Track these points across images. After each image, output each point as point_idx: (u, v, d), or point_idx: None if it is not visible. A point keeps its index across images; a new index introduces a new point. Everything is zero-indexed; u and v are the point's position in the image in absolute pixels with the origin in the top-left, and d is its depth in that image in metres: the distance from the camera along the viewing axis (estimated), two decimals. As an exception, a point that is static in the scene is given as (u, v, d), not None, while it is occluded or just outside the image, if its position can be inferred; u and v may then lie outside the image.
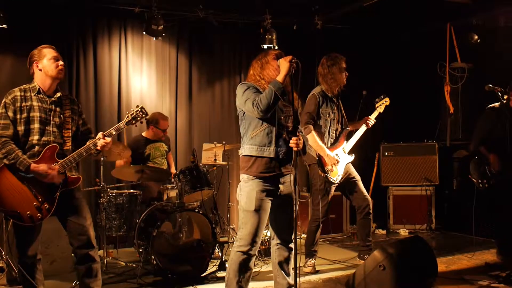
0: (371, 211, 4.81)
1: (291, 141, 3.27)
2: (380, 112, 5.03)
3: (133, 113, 3.55)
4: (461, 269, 4.76)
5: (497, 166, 4.67)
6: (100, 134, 3.43)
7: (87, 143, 3.43)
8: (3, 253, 4.37)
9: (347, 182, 4.82)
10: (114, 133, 3.47)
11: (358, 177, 4.85)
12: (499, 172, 4.67)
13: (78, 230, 3.40)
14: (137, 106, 3.58)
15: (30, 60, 3.46)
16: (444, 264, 4.91)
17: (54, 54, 3.45)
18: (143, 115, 3.57)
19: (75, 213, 3.41)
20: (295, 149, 3.25)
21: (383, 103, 5.06)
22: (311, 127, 4.56)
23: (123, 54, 6.33)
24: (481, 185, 4.77)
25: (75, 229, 3.40)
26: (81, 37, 6.09)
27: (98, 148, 3.40)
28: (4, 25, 5.30)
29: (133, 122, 3.55)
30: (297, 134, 3.36)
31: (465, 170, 6.83)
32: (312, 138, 4.52)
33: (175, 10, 6.38)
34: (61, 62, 3.45)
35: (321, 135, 4.69)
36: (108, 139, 3.42)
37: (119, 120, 6.26)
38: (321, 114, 4.69)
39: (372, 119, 4.94)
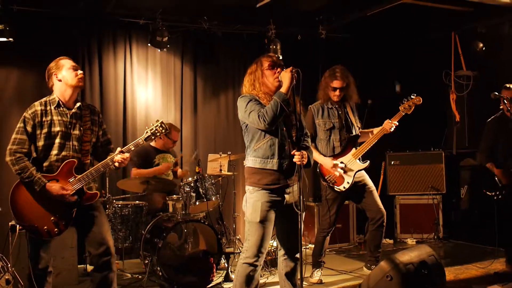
0: (384, 224, 4.70)
1: (295, 157, 3.25)
2: (407, 114, 4.67)
3: (152, 129, 3.52)
4: (469, 278, 4.71)
5: (504, 180, 4.66)
6: (118, 149, 3.43)
7: (106, 159, 3.44)
8: (9, 265, 4.37)
9: (361, 191, 4.71)
10: (132, 148, 3.47)
11: (373, 188, 4.74)
12: (507, 184, 4.66)
13: (97, 239, 3.41)
14: (157, 121, 3.54)
15: (49, 73, 3.47)
16: (452, 273, 4.86)
17: (72, 64, 3.47)
18: (163, 130, 3.53)
19: (93, 223, 3.43)
20: (298, 163, 3.24)
21: (412, 104, 4.65)
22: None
23: (128, 66, 6.37)
24: (495, 197, 4.74)
25: (94, 238, 3.41)
26: (87, 49, 6.13)
27: (116, 165, 3.41)
28: (10, 39, 5.34)
29: (152, 137, 3.53)
30: (304, 144, 3.35)
31: (472, 179, 6.83)
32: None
33: (179, 21, 6.42)
34: (80, 71, 3.47)
35: (320, 146, 4.68)
36: (126, 155, 3.42)
37: (124, 131, 6.29)
38: (317, 125, 4.69)
39: (394, 122, 4.62)
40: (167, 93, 6.62)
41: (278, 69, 3.39)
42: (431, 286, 3.64)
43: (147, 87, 6.51)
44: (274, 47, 6.44)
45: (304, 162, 3.27)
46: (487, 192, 4.82)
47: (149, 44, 6.19)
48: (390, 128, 4.62)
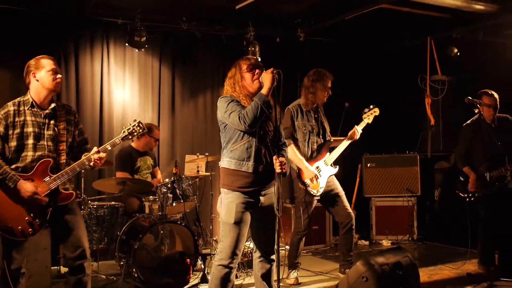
0: (353, 227, 4.77)
1: (276, 165, 3.24)
2: (368, 123, 4.92)
3: (129, 128, 3.49)
4: (443, 280, 4.79)
5: (474, 187, 4.77)
6: (94, 149, 3.39)
7: (82, 158, 3.39)
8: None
9: (330, 196, 4.76)
10: (109, 148, 3.44)
11: (342, 192, 4.79)
12: (475, 191, 4.79)
13: (73, 242, 3.37)
14: (134, 121, 3.53)
15: (27, 69, 3.40)
16: (426, 274, 4.93)
17: (53, 67, 3.39)
18: (140, 130, 3.51)
19: (69, 226, 3.38)
20: (278, 171, 3.23)
21: (372, 114, 4.93)
22: (291, 141, 4.59)
23: (105, 66, 6.29)
24: (467, 199, 4.84)
25: (69, 241, 3.37)
26: (63, 48, 6.04)
27: (92, 164, 3.37)
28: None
29: (129, 137, 3.50)
30: (282, 153, 3.36)
31: (446, 181, 6.95)
32: (291, 151, 4.52)
33: (158, 22, 6.37)
34: (59, 75, 3.41)
35: (300, 148, 4.71)
36: (103, 155, 3.38)
37: (101, 132, 6.22)
38: (297, 127, 4.71)
39: (359, 130, 4.84)
40: (145, 94, 6.57)
41: (257, 71, 3.39)
42: (406, 287, 3.69)
43: (125, 87, 6.44)
44: (253, 49, 6.44)
45: (284, 170, 3.27)
46: (460, 194, 4.92)
47: (127, 44, 6.13)
48: (355, 136, 4.81)
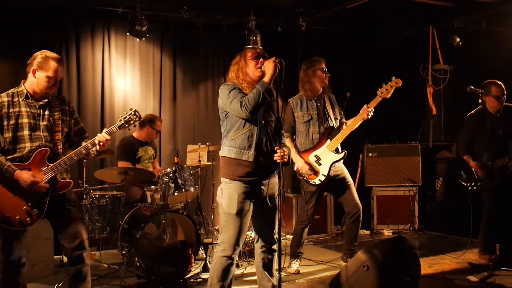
0: (360, 218, 4.72)
1: (276, 155, 3.25)
2: (385, 98, 4.53)
3: (126, 117, 3.50)
4: (444, 269, 4.80)
5: (481, 173, 4.75)
6: (99, 134, 3.39)
7: (80, 147, 3.39)
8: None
9: (339, 184, 4.71)
10: (107, 137, 3.43)
11: (351, 182, 4.75)
12: (484, 177, 4.75)
13: (71, 233, 3.36)
14: (131, 109, 3.53)
15: (32, 61, 3.34)
16: (427, 264, 4.94)
17: (54, 74, 3.32)
18: (136, 119, 3.52)
19: (67, 218, 3.38)
20: (279, 161, 3.25)
21: (391, 87, 4.50)
22: (288, 134, 4.63)
23: (106, 55, 6.28)
24: (469, 188, 4.84)
25: (67, 232, 3.37)
26: (64, 38, 6.03)
27: (98, 148, 3.34)
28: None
29: (126, 125, 3.50)
30: (281, 145, 3.36)
31: (447, 171, 6.95)
32: (286, 143, 4.52)
33: (159, 11, 6.35)
34: (56, 85, 3.37)
35: (301, 139, 4.71)
36: (107, 136, 3.38)
37: (102, 121, 6.22)
38: (296, 118, 4.71)
39: (371, 109, 4.51)
40: (146, 83, 6.56)
41: (261, 60, 3.39)
42: (407, 276, 3.70)
43: (126, 77, 6.43)
44: (254, 38, 6.42)
45: (285, 160, 3.28)
46: (463, 183, 4.92)
47: (127, 33, 6.11)
48: (367, 115, 4.53)
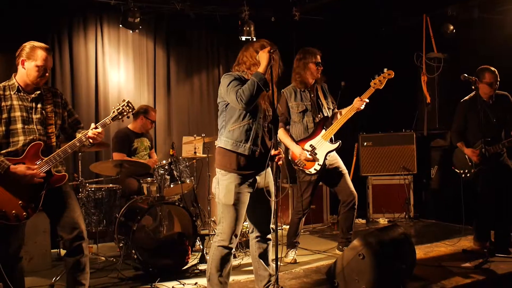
0: (356, 206, 4.75)
1: (276, 157, 3.31)
2: (378, 89, 4.57)
3: (119, 108, 3.49)
4: (439, 256, 4.84)
5: (475, 159, 4.78)
6: (92, 125, 3.38)
7: (74, 140, 3.38)
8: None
9: (333, 174, 4.74)
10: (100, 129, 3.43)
11: (345, 170, 4.78)
12: (477, 163, 4.78)
13: (69, 224, 3.36)
14: (124, 101, 3.53)
15: (20, 52, 3.33)
16: (422, 251, 4.98)
17: (43, 63, 3.30)
18: (130, 110, 3.51)
19: (64, 208, 3.38)
20: (280, 163, 3.31)
21: (384, 78, 4.54)
22: (282, 124, 4.65)
23: (99, 47, 6.25)
24: (463, 175, 4.87)
25: (66, 223, 3.37)
26: (56, 30, 5.99)
27: (90, 141, 3.34)
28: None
29: (119, 117, 3.49)
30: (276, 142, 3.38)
31: (442, 159, 6.99)
32: (280, 133, 4.55)
33: (151, 2, 6.31)
34: (46, 74, 3.34)
35: (295, 129, 4.72)
36: (100, 129, 3.37)
37: (97, 114, 6.21)
38: (290, 108, 4.71)
39: (364, 100, 4.54)
40: (140, 75, 6.54)
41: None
42: (402, 264, 3.73)
43: (119, 69, 6.41)
44: (248, 28, 6.40)
45: (280, 163, 3.32)
46: (456, 170, 4.95)
47: (120, 26, 6.08)
48: (361, 106, 4.56)
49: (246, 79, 3.35)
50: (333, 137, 4.66)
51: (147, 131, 5.78)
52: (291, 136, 4.70)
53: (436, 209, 6.90)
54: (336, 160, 4.75)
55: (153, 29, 6.61)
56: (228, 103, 3.36)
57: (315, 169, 4.61)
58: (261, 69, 3.26)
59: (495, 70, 4.80)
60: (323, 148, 4.62)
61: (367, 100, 4.58)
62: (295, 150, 4.62)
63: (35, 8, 5.76)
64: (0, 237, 3.29)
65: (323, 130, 4.65)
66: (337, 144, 4.64)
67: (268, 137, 3.41)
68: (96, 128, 3.36)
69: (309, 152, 4.59)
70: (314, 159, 4.59)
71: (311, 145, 4.63)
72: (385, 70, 4.60)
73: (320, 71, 4.71)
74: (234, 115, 3.35)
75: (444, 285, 3.91)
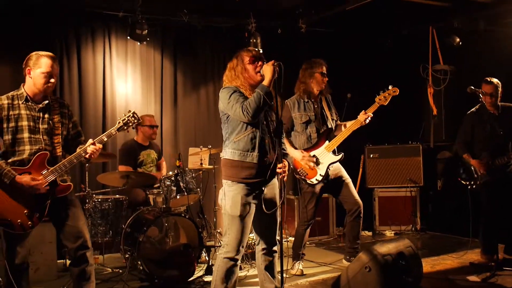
0: (361, 215, 4.74)
1: (278, 169, 3.31)
2: (382, 105, 4.59)
3: (124, 119, 3.51)
4: (446, 269, 4.81)
5: (482, 170, 4.76)
6: (90, 140, 3.40)
7: (78, 150, 3.40)
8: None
9: (338, 184, 4.74)
10: (105, 139, 3.44)
11: (349, 180, 4.78)
12: (484, 175, 4.76)
13: (74, 233, 3.38)
14: (129, 111, 3.54)
15: (26, 63, 3.38)
16: (429, 264, 4.95)
17: (48, 70, 3.34)
18: (135, 121, 3.52)
19: (69, 217, 3.40)
20: (283, 176, 3.32)
21: (389, 95, 4.55)
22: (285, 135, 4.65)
23: (107, 59, 6.30)
24: (469, 186, 4.85)
25: (70, 232, 3.39)
26: (65, 42, 6.05)
27: (87, 156, 3.36)
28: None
29: (125, 128, 3.51)
30: (283, 146, 3.39)
31: (449, 171, 6.96)
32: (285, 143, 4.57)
33: (159, 14, 6.37)
34: (52, 80, 3.38)
35: (298, 139, 4.73)
36: (98, 146, 3.39)
37: (104, 125, 6.24)
38: (294, 119, 4.73)
39: (369, 114, 4.55)
40: (147, 87, 6.58)
41: (259, 63, 3.41)
42: (409, 277, 3.72)
43: (127, 80, 6.45)
44: (255, 40, 6.43)
45: (285, 175, 3.34)
46: (462, 181, 4.93)
47: (128, 37, 6.13)
48: (365, 120, 4.56)
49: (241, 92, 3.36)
50: (336, 149, 4.68)
51: (151, 138, 5.75)
52: (293, 147, 4.71)
53: (443, 221, 6.86)
54: (339, 169, 4.77)
55: (160, 40, 6.66)
56: (229, 115, 3.38)
57: (316, 179, 4.62)
58: (265, 82, 3.28)
59: (495, 80, 4.80)
60: (326, 159, 4.64)
61: (371, 115, 4.59)
62: (296, 154, 4.63)
63: (43, 19, 5.83)
64: (7, 247, 3.32)
65: (327, 142, 4.67)
66: (340, 156, 4.66)
67: (274, 142, 3.41)
68: (94, 144, 3.37)
69: (309, 157, 4.59)
70: (317, 164, 4.59)
71: (314, 155, 4.65)
72: (390, 87, 4.60)
73: (326, 82, 4.74)
74: (237, 126, 3.37)
75: (451, 299, 3.88)
